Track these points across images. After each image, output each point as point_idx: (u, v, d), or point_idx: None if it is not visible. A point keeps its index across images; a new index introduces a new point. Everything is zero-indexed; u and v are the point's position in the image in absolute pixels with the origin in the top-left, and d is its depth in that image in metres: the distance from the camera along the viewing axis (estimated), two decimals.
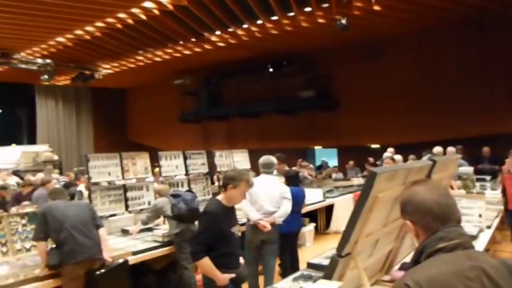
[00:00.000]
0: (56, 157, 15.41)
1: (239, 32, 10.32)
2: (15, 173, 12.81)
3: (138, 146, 16.10)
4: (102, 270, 3.67)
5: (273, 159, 4.72)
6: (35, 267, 3.81)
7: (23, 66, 11.79)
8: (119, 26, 9.48)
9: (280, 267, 5.25)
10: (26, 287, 3.49)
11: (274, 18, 9.36)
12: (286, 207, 4.50)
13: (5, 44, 10.60)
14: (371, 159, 10.18)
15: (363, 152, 11.79)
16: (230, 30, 10.18)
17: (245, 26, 9.90)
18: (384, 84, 11.36)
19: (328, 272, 2.07)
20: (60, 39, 10.30)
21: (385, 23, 9.86)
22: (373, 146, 12.27)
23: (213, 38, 10.83)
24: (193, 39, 10.90)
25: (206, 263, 2.75)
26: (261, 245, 4.52)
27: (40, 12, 8.41)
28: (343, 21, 8.93)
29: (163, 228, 4.77)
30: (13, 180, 11.36)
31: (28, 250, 4.35)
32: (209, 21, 9.51)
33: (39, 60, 11.92)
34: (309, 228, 7.08)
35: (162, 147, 13.50)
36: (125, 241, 4.76)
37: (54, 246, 3.62)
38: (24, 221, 4.46)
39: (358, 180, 9.88)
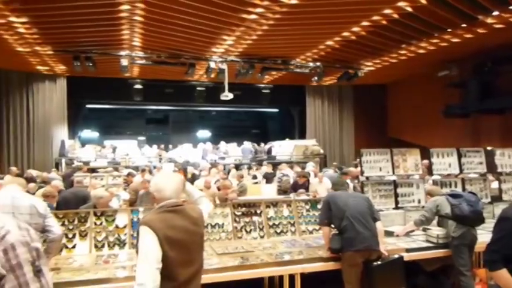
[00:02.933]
0: (321, 151, 16.90)
1: None
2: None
3: (398, 141, 15.83)
4: (379, 262, 3.79)
5: None
6: (318, 248, 4.30)
7: (298, 70, 13.42)
8: (384, 22, 9.54)
9: None
10: (312, 265, 3.97)
11: None
12: None
13: (285, 53, 12.32)
14: None
15: None
16: None
17: None
18: None
19: None
20: (329, 42, 11.21)
21: None
22: None
23: (489, 20, 9.53)
24: (463, 25, 9.89)
25: (503, 275, 2.44)
26: None
27: (314, 20, 9.37)
28: None
29: (437, 229, 4.53)
30: (287, 171, 13.12)
31: (310, 232, 4.95)
32: (486, 1, 8.43)
33: (311, 64, 13.30)
34: None
35: (423, 143, 12.86)
36: (395, 237, 4.79)
37: (336, 232, 3.98)
38: (307, 207, 5.10)
39: None
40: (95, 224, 4.39)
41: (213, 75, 13.01)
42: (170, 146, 18.04)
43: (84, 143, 16.88)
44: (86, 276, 3.56)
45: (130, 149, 16.33)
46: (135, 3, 8.16)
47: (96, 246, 4.29)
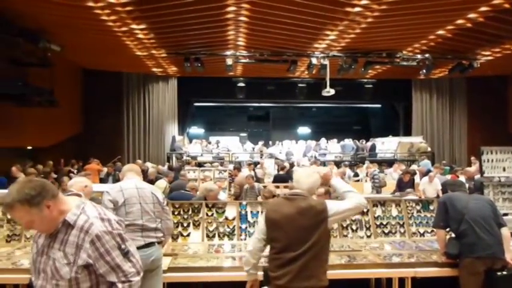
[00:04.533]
0: (429, 149, 15.81)
1: None
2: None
3: None
4: (504, 272, 3.43)
5: None
6: (432, 253, 4.02)
7: (404, 63, 12.69)
8: (507, 5, 8.56)
9: None
10: (425, 269, 3.72)
11: None
12: None
13: (391, 45, 11.73)
14: None
15: None
16: None
17: None
18: None
19: None
20: (440, 32, 10.40)
21: None
22: None
23: None
24: None
25: None
26: None
27: (424, 9, 8.75)
28: None
29: None
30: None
31: (422, 235, 4.67)
32: None
33: (419, 56, 12.48)
34: None
35: None
36: None
37: (453, 236, 3.69)
38: (418, 207, 4.82)
39: None
40: (207, 215, 4.66)
41: (314, 72, 12.94)
42: (270, 142, 18.42)
43: (191, 138, 18.06)
44: (199, 263, 3.80)
45: (232, 145, 17.06)
46: (240, 4, 8.46)
47: (207, 235, 4.56)
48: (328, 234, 2.71)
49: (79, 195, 2.09)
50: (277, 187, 7.89)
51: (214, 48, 11.89)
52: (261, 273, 2.98)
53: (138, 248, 3.16)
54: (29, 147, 12.02)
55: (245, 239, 4.54)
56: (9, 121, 10.21)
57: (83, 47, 11.56)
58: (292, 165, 11.98)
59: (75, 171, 11.04)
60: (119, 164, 12.13)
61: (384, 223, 4.69)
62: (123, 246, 1.96)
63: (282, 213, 2.67)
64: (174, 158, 15.43)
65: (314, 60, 12.19)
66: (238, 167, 11.32)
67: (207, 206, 4.72)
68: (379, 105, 20.99)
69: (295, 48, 11.78)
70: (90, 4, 8.05)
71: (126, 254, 1.97)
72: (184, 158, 15.11)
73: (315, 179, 2.79)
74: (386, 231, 4.66)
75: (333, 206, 2.68)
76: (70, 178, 7.23)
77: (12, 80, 9.08)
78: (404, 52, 12.35)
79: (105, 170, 11.65)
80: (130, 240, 2.04)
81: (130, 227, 3.23)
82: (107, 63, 13.94)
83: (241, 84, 15.65)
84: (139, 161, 12.59)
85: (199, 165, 13.43)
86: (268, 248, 2.79)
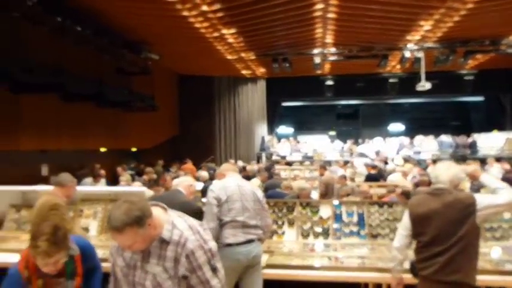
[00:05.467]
0: None
1: None
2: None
3: None
4: None
5: None
6: None
7: (511, 51, 11.49)
8: None
9: None
10: None
11: None
12: None
13: (494, 32, 10.66)
14: None
15: None
16: None
17: None
18: None
19: None
20: None
21: None
22: None
23: None
24: None
25: None
26: None
27: None
28: None
29: None
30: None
31: None
32: None
33: None
34: None
35: None
36: None
37: None
38: None
39: None
40: (301, 213, 4.69)
41: (407, 65, 12.30)
42: (360, 141, 17.89)
43: (280, 138, 18.26)
44: (295, 262, 3.85)
45: (321, 144, 16.89)
46: (328, 0, 8.36)
47: (302, 234, 4.59)
48: (477, 229, 2.66)
49: (161, 207, 2.09)
50: (370, 186, 7.64)
51: (302, 48, 11.89)
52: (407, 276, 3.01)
53: (239, 243, 3.31)
54: (133, 149, 13.13)
55: (340, 239, 4.49)
56: (117, 126, 11.30)
57: (178, 54, 12.32)
58: (385, 163, 11.52)
59: (174, 170, 11.79)
60: (212, 165, 12.70)
61: (495, 226, 4.30)
62: (212, 262, 2.01)
63: (428, 207, 2.72)
64: (263, 158, 15.74)
65: (407, 54, 11.57)
66: (323, 165, 11.14)
67: (301, 204, 4.75)
68: (481, 98, 19.26)
69: (386, 42, 11.30)
70: (185, 14, 8.56)
71: (214, 270, 2.01)
72: (274, 157, 15.32)
73: (456, 171, 2.78)
74: (497, 235, 4.27)
75: (483, 200, 2.62)
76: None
77: (119, 88, 10.00)
78: (511, 38, 11.19)
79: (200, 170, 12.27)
80: (218, 255, 2.08)
81: (231, 223, 3.38)
82: (199, 68, 14.69)
83: (330, 83, 15.44)
84: (232, 161, 13.08)
85: (288, 164, 13.51)
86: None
